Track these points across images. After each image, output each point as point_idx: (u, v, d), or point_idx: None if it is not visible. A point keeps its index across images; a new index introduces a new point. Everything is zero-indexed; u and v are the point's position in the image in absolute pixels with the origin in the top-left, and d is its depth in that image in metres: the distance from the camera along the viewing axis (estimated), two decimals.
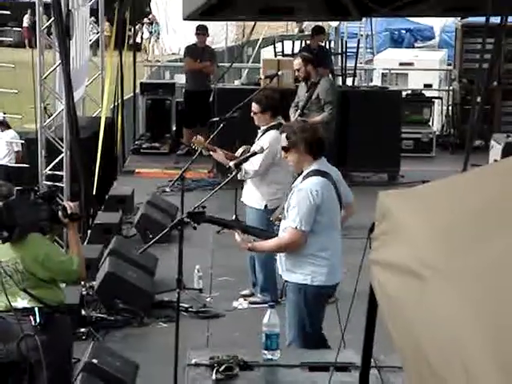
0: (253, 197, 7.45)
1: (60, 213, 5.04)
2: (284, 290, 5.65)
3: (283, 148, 5.67)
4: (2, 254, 4.93)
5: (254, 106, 7.53)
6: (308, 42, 13.74)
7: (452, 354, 1.89)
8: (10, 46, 29.07)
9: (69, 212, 5.03)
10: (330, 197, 5.48)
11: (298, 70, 9.91)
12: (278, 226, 5.78)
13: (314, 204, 5.39)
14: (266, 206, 7.37)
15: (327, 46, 13.97)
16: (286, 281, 5.63)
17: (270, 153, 7.36)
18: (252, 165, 7.35)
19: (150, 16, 13.66)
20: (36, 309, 4.88)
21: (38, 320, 4.86)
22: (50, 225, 5.08)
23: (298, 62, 9.94)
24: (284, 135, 5.67)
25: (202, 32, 13.44)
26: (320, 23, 14.83)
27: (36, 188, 5.30)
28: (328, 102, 9.80)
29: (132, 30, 15.14)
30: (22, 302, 4.92)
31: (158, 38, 28.69)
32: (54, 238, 5.57)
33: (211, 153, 7.87)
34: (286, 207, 5.58)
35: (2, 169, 13.64)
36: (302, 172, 5.58)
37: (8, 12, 21.00)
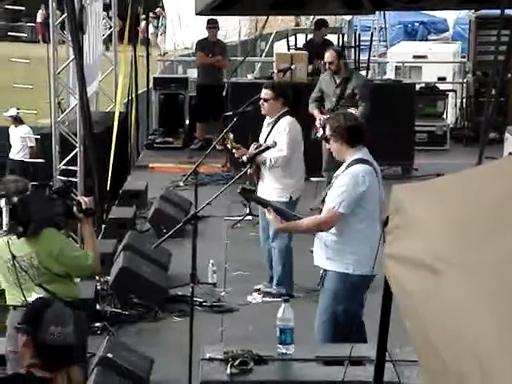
0: (274, 190, 7.36)
1: (75, 208, 5.06)
2: (322, 280, 5.60)
3: (325, 138, 5.71)
4: (18, 249, 4.95)
5: (267, 93, 7.41)
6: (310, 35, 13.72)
7: (467, 349, 1.88)
8: (25, 41, 29.15)
9: (83, 207, 5.05)
10: (374, 185, 5.49)
11: (331, 63, 9.85)
12: None
13: (358, 189, 5.40)
14: (290, 197, 7.33)
15: (341, 40, 13.91)
16: (324, 270, 5.58)
17: (292, 135, 7.32)
18: (278, 152, 7.27)
19: (157, 10, 13.65)
20: None
21: None
22: (64, 220, 5.10)
23: (331, 55, 9.89)
24: (327, 125, 5.70)
25: (212, 26, 13.42)
26: (327, 17, 14.78)
27: (51, 183, 5.32)
28: (363, 98, 9.78)
29: (144, 24, 15.14)
30: (36, 297, 4.93)
31: (165, 32, 28.68)
32: (68, 233, 5.59)
33: (234, 150, 7.77)
34: (326, 196, 5.56)
35: (17, 164, 13.70)
36: (345, 160, 5.60)
37: (22, 8, 21.06)
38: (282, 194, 7.34)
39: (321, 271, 5.63)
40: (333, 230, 5.46)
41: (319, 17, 13.97)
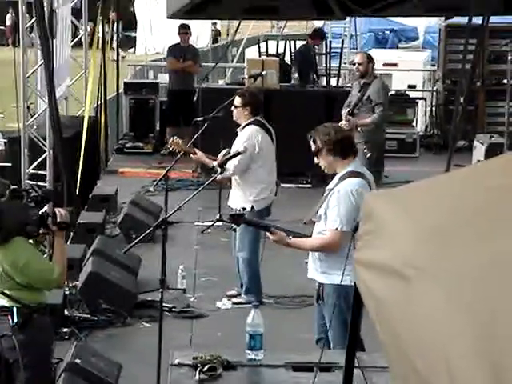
0: (238, 199, 7.39)
1: (49, 219, 4.98)
2: (320, 294, 5.54)
3: (313, 153, 5.58)
4: None
5: (237, 100, 7.52)
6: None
7: (437, 357, 1.88)
8: None
9: (58, 220, 4.97)
10: None
11: (360, 64, 9.95)
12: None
13: (354, 204, 5.32)
14: (252, 207, 7.32)
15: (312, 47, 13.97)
16: (320, 284, 5.52)
17: (249, 145, 7.36)
18: (232, 161, 7.34)
19: (111, 15, 13.54)
20: (14, 309, 4.85)
21: (15, 320, 4.83)
22: (37, 230, 5.01)
23: (362, 57, 10.04)
24: (311, 140, 5.57)
25: (184, 31, 13.40)
26: (299, 23, 14.88)
27: (30, 190, 5.24)
28: (379, 104, 9.84)
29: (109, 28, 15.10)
30: (0, 301, 4.89)
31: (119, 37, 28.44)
32: (42, 240, 5.53)
33: (191, 155, 7.82)
34: (320, 209, 5.50)
35: None
36: (336, 173, 5.53)
37: None
38: (244, 203, 7.33)
39: (316, 284, 5.57)
40: (342, 246, 5.40)
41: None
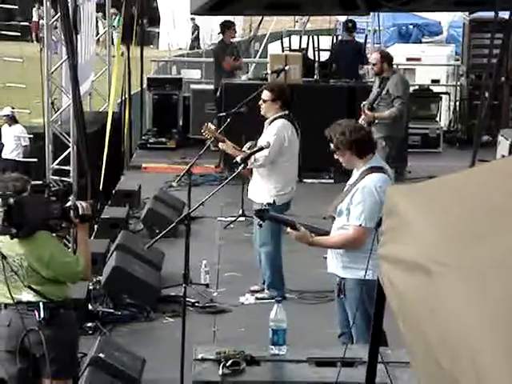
0: (260, 192, 7.38)
1: (71, 212, 5.00)
2: (342, 288, 5.53)
3: (332, 150, 5.56)
4: (9, 249, 4.93)
5: (266, 94, 7.46)
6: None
7: (462, 352, 1.87)
8: (18, 39, 29.09)
9: (80, 212, 4.99)
10: None
11: (374, 65, 10.03)
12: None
13: (379, 200, 5.27)
14: (274, 201, 7.31)
15: (334, 41, 13.93)
16: (342, 278, 5.49)
17: (278, 139, 7.33)
18: (262, 152, 7.30)
19: (112, 11, 13.51)
20: (40, 304, 4.89)
21: (42, 315, 4.87)
22: (59, 223, 5.05)
23: (375, 57, 10.08)
24: (329, 137, 5.55)
25: (231, 27, 13.23)
26: (321, 17, 14.85)
27: (51, 184, 5.26)
28: (397, 97, 9.83)
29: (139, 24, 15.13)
30: (27, 296, 4.92)
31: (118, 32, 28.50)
32: (64, 234, 5.55)
33: (219, 144, 7.80)
34: (341, 204, 5.48)
35: (11, 163, 13.66)
36: (356, 169, 5.50)
37: (15, 6, 21.02)
38: (266, 198, 7.33)
39: (337, 279, 5.55)
40: (366, 243, 5.39)
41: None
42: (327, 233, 5.60)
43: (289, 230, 5.53)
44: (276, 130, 7.37)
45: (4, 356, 4.97)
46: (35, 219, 4.90)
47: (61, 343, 4.92)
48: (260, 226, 5.71)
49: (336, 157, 5.59)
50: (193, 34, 31.39)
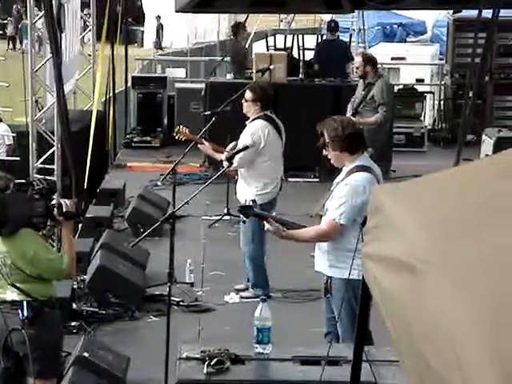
0: (244, 192, 7.41)
1: (56, 210, 4.99)
2: (329, 287, 5.53)
3: (321, 145, 5.54)
4: None
5: (248, 94, 7.50)
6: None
7: (448, 350, 1.88)
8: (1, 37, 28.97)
9: (64, 210, 4.98)
10: None
11: (357, 68, 10.08)
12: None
13: (359, 200, 5.29)
14: (253, 201, 7.31)
15: (319, 40, 13.94)
16: (328, 277, 5.49)
17: (256, 138, 7.35)
18: (238, 154, 7.34)
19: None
20: (24, 302, 4.87)
21: (25, 314, 4.85)
22: (43, 221, 5.03)
23: (358, 60, 10.12)
24: (319, 133, 5.54)
25: (245, 27, 13.20)
26: (306, 16, 14.86)
27: (34, 182, 5.24)
28: (382, 104, 9.83)
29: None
30: (11, 295, 4.90)
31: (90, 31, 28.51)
32: (50, 234, 5.53)
33: (198, 145, 7.83)
34: (327, 202, 5.48)
35: None
36: (343, 167, 5.50)
37: None
38: (249, 197, 7.33)
39: (324, 278, 5.57)
40: (337, 239, 5.41)
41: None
42: (302, 226, 5.61)
43: (266, 225, 5.55)
44: (253, 131, 7.39)
45: None
46: (19, 217, 4.89)
47: (44, 342, 4.90)
48: (244, 222, 5.70)
49: (325, 153, 5.56)
50: (157, 32, 31.18)
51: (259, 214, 5.84)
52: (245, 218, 5.67)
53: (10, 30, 33.96)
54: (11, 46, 33.44)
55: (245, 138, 7.41)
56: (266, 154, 7.45)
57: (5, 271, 4.90)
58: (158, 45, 30.00)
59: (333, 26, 13.35)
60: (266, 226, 5.54)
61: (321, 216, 5.53)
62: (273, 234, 5.58)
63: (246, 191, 7.34)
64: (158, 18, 30.40)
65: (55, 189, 5.49)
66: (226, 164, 7.26)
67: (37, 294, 4.92)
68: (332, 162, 5.59)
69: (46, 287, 5.02)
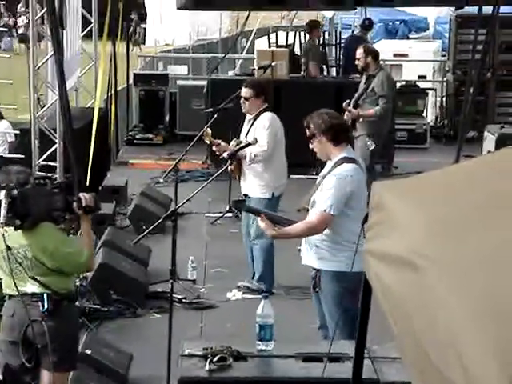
0: (257, 187, 7.35)
1: (74, 204, 5.04)
2: (317, 281, 5.53)
3: (307, 137, 5.61)
4: (13, 240, 4.93)
5: (247, 92, 7.39)
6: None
7: (450, 348, 1.88)
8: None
9: (83, 204, 5.03)
10: (362, 183, 5.46)
11: (358, 59, 9.99)
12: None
13: (348, 190, 5.36)
14: (273, 194, 7.31)
15: (322, 37, 13.94)
16: (317, 270, 5.50)
17: (273, 130, 7.31)
18: (258, 147, 7.25)
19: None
20: (45, 295, 4.90)
21: (45, 306, 4.88)
22: (63, 215, 5.08)
23: (359, 52, 10.05)
24: (306, 125, 5.61)
25: (319, 26, 13.16)
26: (308, 13, 14.86)
27: (53, 177, 5.27)
28: (382, 96, 9.80)
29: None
30: (31, 288, 4.93)
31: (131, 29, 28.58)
32: (70, 228, 5.55)
33: (214, 147, 7.76)
34: (314, 196, 5.50)
35: None
36: (329, 159, 5.54)
37: (2, 1, 20.96)
38: (265, 191, 7.33)
39: (312, 272, 5.58)
40: (325, 231, 5.43)
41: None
42: (293, 222, 5.63)
43: (259, 221, 5.56)
44: (268, 123, 7.34)
45: (5, 347, 4.98)
46: (39, 210, 4.92)
47: (63, 335, 4.93)
48: (237, 217, 5.70)
49: (311, 146, 5.61)
50: (135, 30, 31.03)
51: (252, 208, 5.86)
52: (238, 213, 5.71)
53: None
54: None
55: (262, 133, 7.30)
56: (280, 145, 7.43)
57: (26, 264, 4.93)
58: (134, 42, 29.99)
59: (367, 25, 13.32)
60: (259, 221, 5.57)
61: (307, 210, 5.54)
62: (264, 231, 5.60)
63: (261, 185, 7.27)
64: (141, 15, 30.17)
65: (73, 183, 5.53)
66: (228, 161, 7.24)
67: (56, 287, 4.95)
68: (317, 154, 5.63)
69: (66, 280, 5.06)
